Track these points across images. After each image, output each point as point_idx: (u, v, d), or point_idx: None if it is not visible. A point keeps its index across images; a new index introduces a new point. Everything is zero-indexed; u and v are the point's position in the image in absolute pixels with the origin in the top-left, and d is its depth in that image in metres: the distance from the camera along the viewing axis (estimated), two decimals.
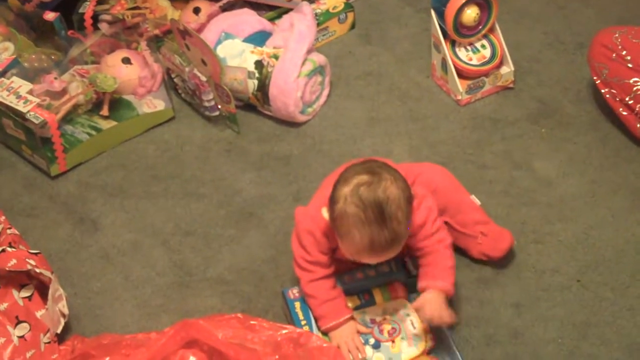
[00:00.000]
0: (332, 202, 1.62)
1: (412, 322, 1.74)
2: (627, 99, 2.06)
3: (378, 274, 1.80)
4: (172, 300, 1.89)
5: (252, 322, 1.72)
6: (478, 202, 1.92)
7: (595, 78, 2.11)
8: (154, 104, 2.28)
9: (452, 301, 1.83)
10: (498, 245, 1.86)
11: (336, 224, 1.62)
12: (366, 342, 1.73)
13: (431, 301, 1.70)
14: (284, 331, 1.70)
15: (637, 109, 2.05)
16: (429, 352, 1.73)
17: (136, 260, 1.98)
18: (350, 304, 1.78)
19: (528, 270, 1.89)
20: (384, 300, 1.79)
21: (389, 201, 1.59)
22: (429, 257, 1.74)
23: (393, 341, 1.73)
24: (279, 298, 1.87)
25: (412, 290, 1.78)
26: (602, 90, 2.11)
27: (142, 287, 1.92)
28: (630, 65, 2.02)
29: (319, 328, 1.76)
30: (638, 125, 2.06)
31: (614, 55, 2.05)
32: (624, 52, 2.01)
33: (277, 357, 1.65)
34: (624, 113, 2.08)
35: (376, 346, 1.73)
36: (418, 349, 1.72)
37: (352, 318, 1.75)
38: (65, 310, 1.79)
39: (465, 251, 1.89)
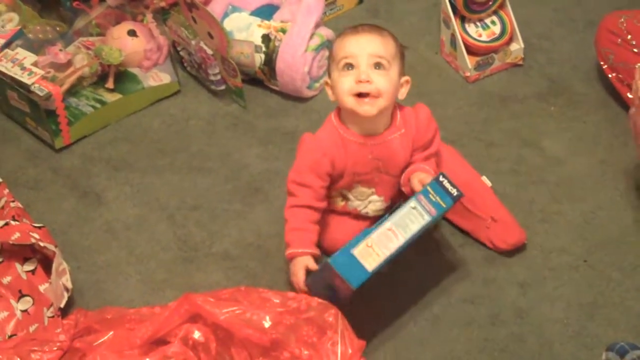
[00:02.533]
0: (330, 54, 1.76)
1: None
2: (632, 83, 2.04)
3: None
4: (177, 275, 1.88)
5: (254, 294, 1.72)
6: (489, 183, 1.90)
7: (602, 63, 2.10)
8: (160, 77, 2.26)
9: (456, 278, 1.82)
10: (507, 237, 1.85)
11: (333, 51, 1.74)
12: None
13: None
14: (288, 301, 1.70)
15: None
16: None
17: (141, 234, 1.97)
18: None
19: (535, 249, 1.88)
20: None
21: (377, 25, 1.76)
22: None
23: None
24: (283, 274, 1.86)
25: None
26: (609, 75, 2.10)
27: (146, 261, 1.91)
28: (635, 50, 2.00)
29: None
30: None
31: (619, 40, 2.03)
32: (629, 37, 1.99)
33: (280, 329, 1.65)
34: (631, 97, 2.06)
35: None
36: None
37: (311, 255, 1.75)
38: (69, 284, 1.78)
39: (471, 232, 1.88)
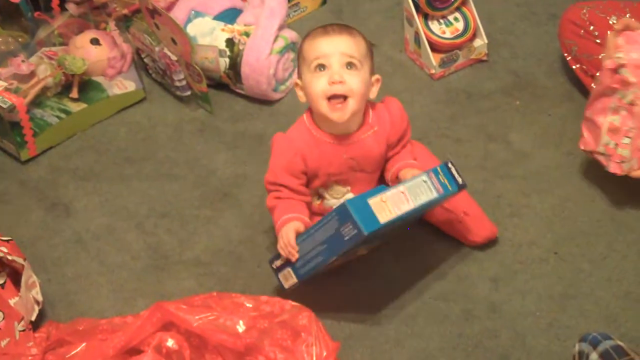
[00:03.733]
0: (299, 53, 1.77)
1: None
2: (597, 74, 2.06)
3: None
4: (148, 283, 1.87)
5: (227, 300, 1.71)
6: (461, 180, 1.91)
7: (565, 55, 2.12)
8: (125, 85, 2.25)
9: (430, 276, 1.83)
10: (480, 231, 1.85)
11: (299, 54, 1.75)
12: None
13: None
14: (261, 305, 1.70)
15: None
16: None
17: (110, 244, 1.95)
18: None
19: (505, 244, 1.89)
20: None
21: (346, 25, 1.77)
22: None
23: None
24: (257, 278, 1.86)
25: None
26: (573, 67, 2.12)
27: (117, 271, 1.90)
28: (598, 40, 2.01)
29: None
30: None
31: (582, 31, 2.04)
32: (592, 28, 2.01)
33: (254, 333, 1.64)
34: (595, 86, 2.08)
35: None
36: None
37: (302, 222, 1.74)
38: (39, 297, 1.77)
39: (443, 228, 1.88)
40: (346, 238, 1.63)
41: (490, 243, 1.87)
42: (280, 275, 1.76)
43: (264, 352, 1.62)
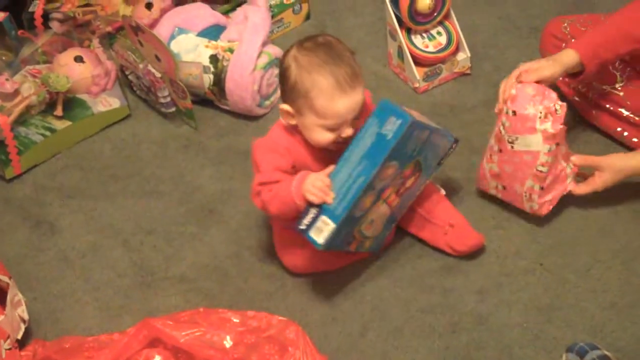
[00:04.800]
0: (284, 74, 1.70)
1: None
2: (579, 86, 2.07)
3: None
4: (134, 300, 1.87)
5: (214, 315, 1.71)
6: (443, 191, 1.92)
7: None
8: (109, 102, 2.25)
9: (416, 289, 1.83)
10: (466, 240, 1.86)
11: (297, 87, 1.67)
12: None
13: None
14: (248, 321, 1.70)
15: (590, 96, 2.06)
16: None
17: (96, 261, 1.95)
18: None
19: (490, 256, 1.89)
20: None
21: (332, 43, 1.70)
22: None
23: None
24: (243, 294, 1.86)
25: None
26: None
27: (103, 288, 1.90)
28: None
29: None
30: (593, 112, 2.08)
31: (563, 44, 2.05)
32: (573, 41, 2.02)
33: (242, 348, 1.64)
34: (577, 99, 2.10)
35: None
36: None
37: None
38: (25, 316, 1.76)
39: (429, 241, 1.89)
40: (389, 136, 1.65)
41: (475, 254, 1.88)
42: (313, 232, 1.69)
43: None
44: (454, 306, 1.81)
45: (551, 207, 1.89)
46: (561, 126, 1.80)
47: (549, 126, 1.79)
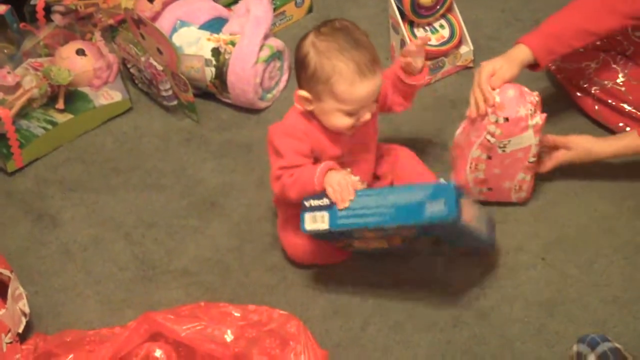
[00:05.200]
0: (302, 61, 1.68)
1: None
2: (581, 82, 2.07)
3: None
4: (136, 294, 1.87)
5: (214, 310, 1.71)
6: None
7: (549, 65, 2.12)
8: (111, 95, 2.24)
9: (417, 283, 1.83)
10: None
11: (317, 74, 1.66)
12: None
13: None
14: (249, 315, 1.70)
15: (592, 91, 2.05)
16: None
17: (97, 255, 1.95)
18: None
19: (492, 250, 1.88)
20: None
21: (349, 28, 1.69)
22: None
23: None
24: (244, 287, 1.86)
25: None
26: (557, 76, 2.13)
27: (104, 282, 1.89)
28: (582, 49, 2.01)
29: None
30: (595, 107, 2.07)
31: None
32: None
33: (242, 342, 1.64)
34: (579, 94, 2.09)
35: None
36: None
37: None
38: (26, 309, 1.76)
39: None
40: (426, 214, 1.60)
41: (477, 249, 1.88)
42: (308, 215, 1.69)
43: None
44: (456, 301, 1.81)
45: (532, 189, 1.92)
46: (544, 114, 1.82)
47: (538, 119, 1.80)
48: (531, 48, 1.86)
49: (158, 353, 1.66)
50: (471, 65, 2.30)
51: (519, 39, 1.90)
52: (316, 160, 1.77)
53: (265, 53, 2.18)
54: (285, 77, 2.28)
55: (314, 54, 1.67)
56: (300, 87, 1.73)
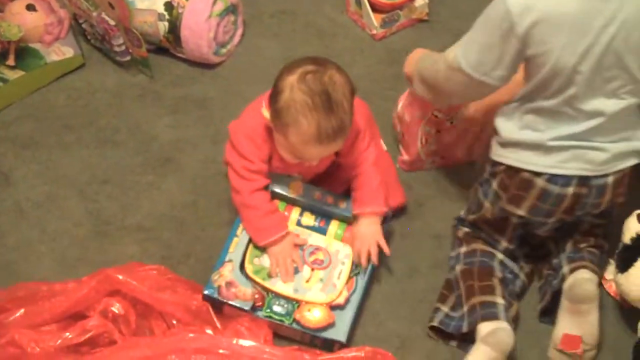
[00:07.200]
0: (276, 93, 1.60)
1: (340, 272, 1.73)
2: None
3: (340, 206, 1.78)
4: (91, 250, 1.86)
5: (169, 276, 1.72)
6: (385, 147, 1.91)
7: None
8: (63, 52, 2.21)
9: None
10: (388, 202, 1.81)
11: (281, 115, 1.59)
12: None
13: (362, 236, 1.72)
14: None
15: None
16: (332, 307, 1.70)
17: (51, 212, 1.93)
18: (304, 220, 1.77)
19: (448, 199, 1.90)
20: (335, 236, 1.77)
21: (336, 88, 1.58)
22: (358, 179, 1.75)
23: (312, 269, 1.72)
24: (200, 242, 1.86)
25: None
26: None
27: (59, 239, 1.88)
28: None
29: (255, 244, 1.73)
30: None
31: None
32: None
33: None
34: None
35: (294, 271, 1.72)
36: (325, 298, 1.70)
37: (288, 233, 1.74)
38: None
39: None
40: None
41: (434, 199, 1.88)
42: (216, 273, 1.71)
43: None
44: (412, 251, 1.83)
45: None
46: None
47: None
48: None
49: (116, 307, 1.65)
50: (426, 18, 2.29)
51: None
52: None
53: (219, 7, 2.15)
54: (239, 31, 2.25)
55: (288, 97, 1.58)
56: (267, 105, 1.65)
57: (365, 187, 1.74)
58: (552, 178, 1.59)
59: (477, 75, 1.58)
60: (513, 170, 1.62)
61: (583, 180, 1.59)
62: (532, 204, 1.63)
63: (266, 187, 1.73)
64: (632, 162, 1.62)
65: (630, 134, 1.60)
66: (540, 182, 1.60)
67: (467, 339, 1.67)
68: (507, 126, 1.62)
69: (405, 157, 1.95)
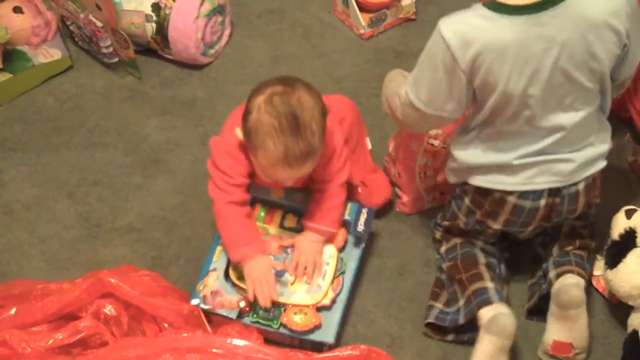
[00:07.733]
0: (246, 113, 1.59)
1: (325, 272, 1.73)
2: None
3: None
4: (81, 252, 1.86)
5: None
6: (370, 146, 1.91)
7: None
8: (50, 54, 2.20)
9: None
10: (373, 199, 1.84)
11: (250, 136, 1.58)
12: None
13: (304, 250, 1.71)
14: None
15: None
16: (319, 308, 1.70)
17: (41, 214, 1.93)
18: (287, 222, 1.77)
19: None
20: None
21: (304, 110, 1.56)
22: (320, 193, 1.73)
23: (296, 276, 1.72)
24: (190, 243, 1.86)
25: None
26: None
27: (49, 241, 1.88)
28: None
29: (229, 261, 1.71)
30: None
31: None
32: None
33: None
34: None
35: (279, 274, 1.70)
36: (310, 300, 1.69)
37: (264, 252, 1.71)
38: None
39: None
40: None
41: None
42: (201, 284, 1.71)
43: None
44: (402, 250, 1.84)
45: None
46: None
47: None
48: None
49: (108, 309, 1.65)
50: (413, 17, 2.30)
51: None
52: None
53: (207, 7, 2.15)
54: (227, 32, 2.26)
55: (255, 119, 1.57)
56: (240, 124, 1.63)
57: (324, 204, 1.73)
58: (523, 194, 1.60)
59: (431, 111, 1.58)
60: (483, 190, 1.63)
61: (554, 192, 1.61)
62: (506, 218, 1.65)
63: (245, 203, 1.72)
64: (600, 166, 1.63)
65: (593, 139, 1.61)
66: (512, 199, 1.61)
67: (465, 331, 1.68)
68: (469, 154, 1.62)
69: (405, 198, 1.91)
